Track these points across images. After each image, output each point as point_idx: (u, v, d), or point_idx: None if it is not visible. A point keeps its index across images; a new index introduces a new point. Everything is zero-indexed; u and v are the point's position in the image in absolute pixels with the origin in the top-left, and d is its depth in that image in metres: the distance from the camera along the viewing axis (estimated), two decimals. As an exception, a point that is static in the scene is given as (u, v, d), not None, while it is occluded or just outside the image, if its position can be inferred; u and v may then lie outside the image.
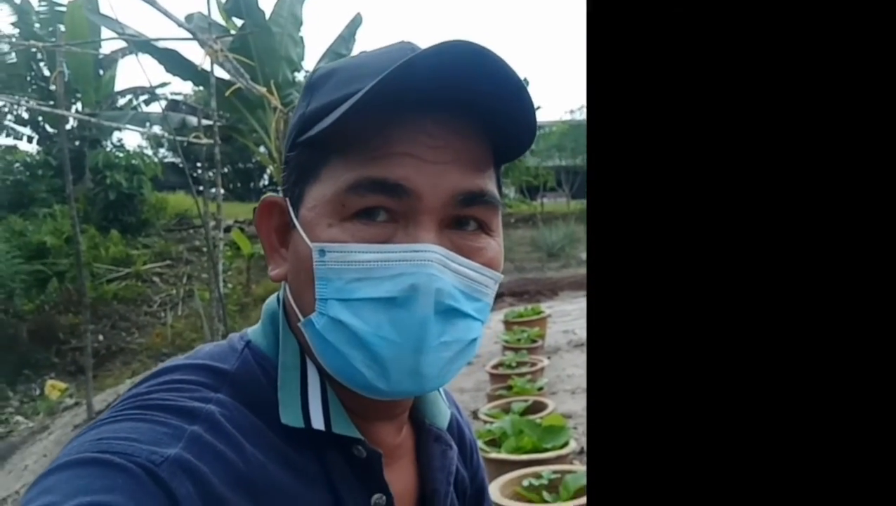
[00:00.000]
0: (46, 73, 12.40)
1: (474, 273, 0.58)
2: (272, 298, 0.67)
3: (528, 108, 0.57)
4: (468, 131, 0.58)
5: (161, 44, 8.63)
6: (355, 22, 10.72)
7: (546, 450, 3.33)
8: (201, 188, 5.58)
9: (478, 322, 0.60)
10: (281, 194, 0.64)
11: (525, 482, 2.95)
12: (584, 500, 2.76)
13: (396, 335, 0.55)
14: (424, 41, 0.58)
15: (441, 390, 0.75)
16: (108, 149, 13.16)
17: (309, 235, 0.58)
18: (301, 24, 10.05)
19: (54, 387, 7.57)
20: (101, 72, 13.16)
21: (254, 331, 0.65)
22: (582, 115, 18.50)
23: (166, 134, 7.35)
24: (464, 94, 0.56)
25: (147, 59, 9.14)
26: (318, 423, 0.59)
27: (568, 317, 8.76)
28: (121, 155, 12.18)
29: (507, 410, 4.01)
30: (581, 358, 6.54)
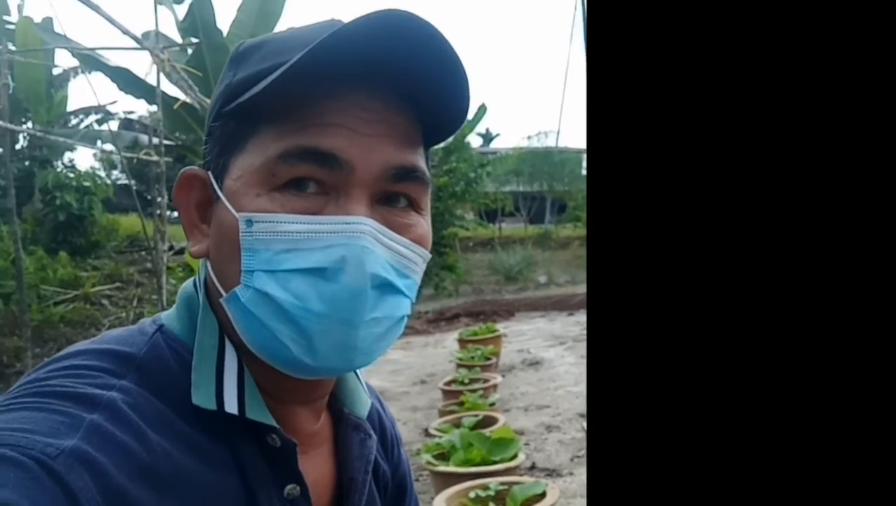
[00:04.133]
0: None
1: (405, 249, 0.58)
2: (188, 282, 0.65)
3: (460, 79, 0.57)
4: (400, 106, 0.58)
5: (114, 62, 8.51)
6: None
7: (495, 463, 3.32)
8: (159, 211, 5.47)
9: (407, 299, 0.59)
10: (202, 167, 0.62)
11: (472, 494, 2.94)
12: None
13: (325, 308, 0.54)
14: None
15: (362, 380, 0.74)
16: (58, 169, 12.88)
17: (235, 206, 0.56)
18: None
19: (-6, 411, 7.30)
20: (53, 91, 12.93)
21: (167, 315, 0.63)
22: (539, 142, 18.79)
23: (117, 152, 7.24)
24: (396, 69, 0.55)
25: (101, 79, 9.01)
26: (231, 406, 0.56)
27: (523, 337, 8.81)
28: (72, 175, 11.94)
29: (457, 424, 3.99)
30: (534, 376, 6.57)
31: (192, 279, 0.65)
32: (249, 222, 0.55)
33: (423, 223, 0.61)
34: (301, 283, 0.54)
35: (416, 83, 0.57)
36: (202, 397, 0.56)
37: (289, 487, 0.59)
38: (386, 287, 0.56)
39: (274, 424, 0.58)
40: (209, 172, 0.61)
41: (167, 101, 4.77)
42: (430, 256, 0.61)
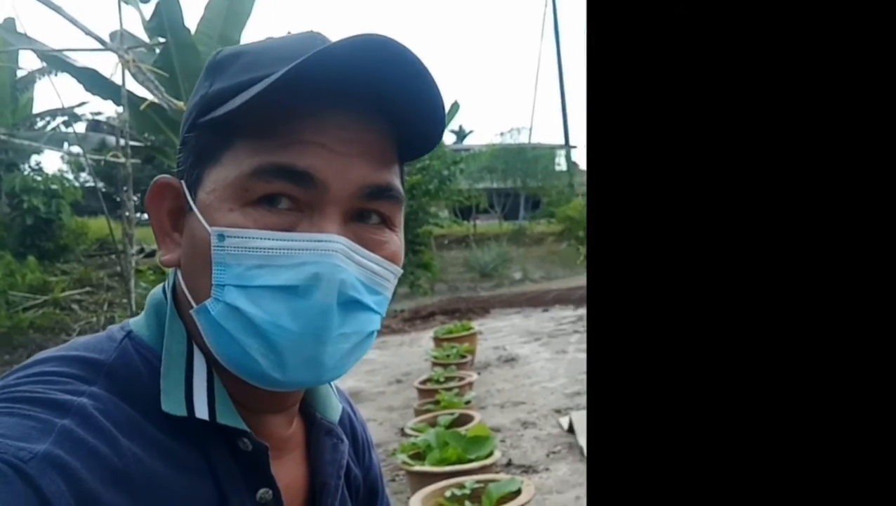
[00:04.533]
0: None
1: (377, 266, 0.58)
2: (157, 289, 0.64)
3: (436, 105, 0.58)
4: (377, 125, 0.58)
5: (80, 62, 8.39)
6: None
7: (471, 461, 3.32)
8: (127, 213, 5.39)
9: (377, 315, 0.60)
10: (176, 176, 0.62)
11: (448, 493, 2.94)
12: (505, 507, 2.77)
13: (295, 324, 0.54)
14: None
15: (333, 385, 0.74)
16: (25, 173, 12.67)
17: (207, 219, 0.56)
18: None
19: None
20: (18, 94, 12.71)
21: (136, 322, 0.63)
22: (511, 138, 18.85)
23: (84, 155, 7.14)
24: (374, 89, 0.56)
25: (68, 80, 8.89)
26: (201, 412, 0.57)
27: (499, 333, 8.84)
28: (39, 179, 11.76)
29: (433, 423, 3.99)
30: (510, 373, 6.59)
31: (160, 285, 0.65)
32: (221, 237, 0.55)
33: (396, 240, 0.61)
34: (272, 299, 0.54)
35: (393, 102, 0.57)
36: (172, 404, 0.56)
37: (261, 491, 0.59)
38: (355, 304, 0.57)
39: (245, 428, 0.59)
40: (182, 182, 0.60)
41: (134, 102, 4.72)
42: (401, 271, 0.62)
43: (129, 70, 3.35)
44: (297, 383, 0.59)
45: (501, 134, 19.33)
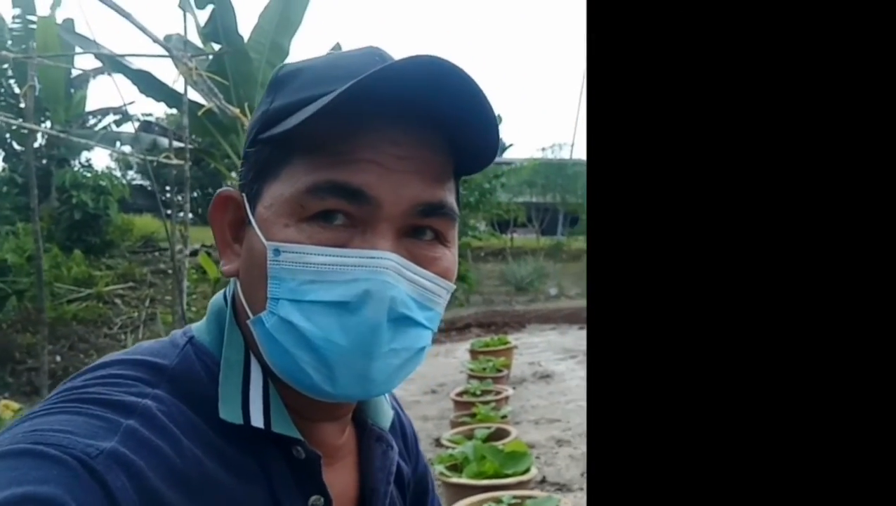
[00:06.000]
0: (16, 90, 12.27)
1: (428, 282, 0.59)
2: (219, 295, 0.67)
3: (491, 126, 0.58)
4: (432, 143, 0.59)
5: (135, 65, 8.60)
6: (334, 51, 10.77)
7: (507, 476, 3.32)
8: (169, 211, 5.51)
9: (428, 331, 0.61)
10: (238, 189, 0.64)
11: (486, 506, 2.94)
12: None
13: (346, 340, 0.56)
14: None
15: None
16: (75, 168, 12.98)
17: (265, 234, 0.58)
18: (286, 55, 10.10)
19: (7, 407, 7.34)
20: (73, 91, 13.04)
21: (197, 327, 0.66)
22: (553, 154, 18.79)
23: (136, 155, 7.30)
24: (431, 108, 0.57)
25: (121, 81, 9.11)
26: (257, 421, 0.59)
27: (534, 349, 8.77)
28: (88, 175, 12.03)
29: (469, 436, 4.00)
30: (545, 389, 6.56)
31: (222, 292, 0.67)
32: (277, 252, 0.57)
33: (449, 255, 0.62)
34: (324, 314, 0.56)
35: (448, 119, 0.58)
36: (229, 412, 0.58)
37: (313, 498, 0.61)
38: (406, 320, 0.58)
39: (299, 436, 0.60)
40: (243, 195, 0.62)
41: (191, 108, 4.82)
42: (454, 287, 0.63)
43: (192, 78, 3.43)
44: (347, 397, 0.61)
45: (543, 149, 19.32)
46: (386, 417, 0.74)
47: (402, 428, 0.80)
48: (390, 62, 0.56)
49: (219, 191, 0.65)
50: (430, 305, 0.60)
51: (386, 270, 0.56)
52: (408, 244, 0.59)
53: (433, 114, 0.57)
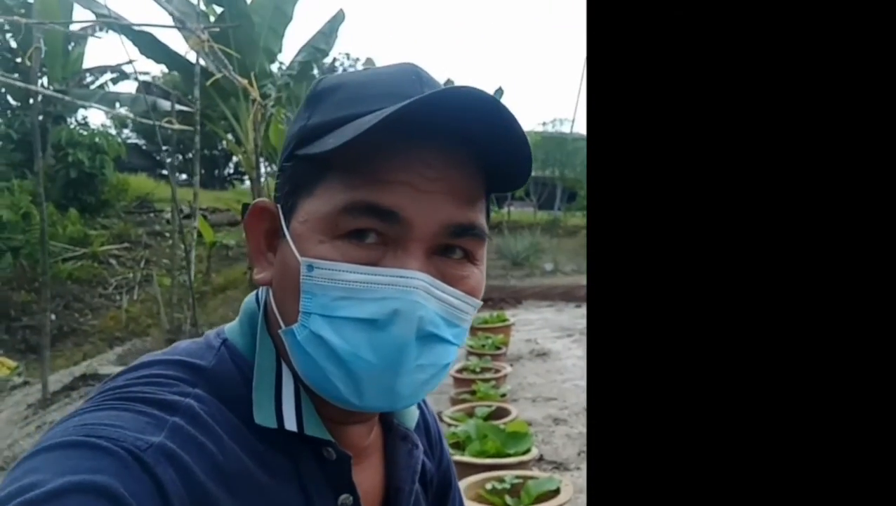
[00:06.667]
0: (13, 45, 12.08)
1: (456, 301, 0.60)
2: (251, 298, 0.68)
3: (523, 148, 0.59)
4: (464, 164, 0.60)
5: (138, 26, 8.47)
6: (337, 18, 10.62)
7: (509, 455, 3.37)
8: (164, 172, 5.48)
9: (454, 346, 0.62)
10: (273, 201, 0.66)
11: (488, 486, 2.98)
12: (545, 506, 2.80)
13: (374, 357, 0.57)
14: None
15: None
16: (71, 126, 12.84)
17: (298, 249, 0.59)
18: (289, 20, 9.94)
19: (3, 364, 7.36)
20: (71, 47, 12.86)
21: (230, 329, 0.67)
22: (554, 129, 18.69)
23: (139, 118, 7.22)
24: (464, 131, 0.58)
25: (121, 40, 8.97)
26: (290, 424, 0.61)
27: (531, 326, 8.83)
28: (84, 133, 11.91)
29: (470, 414, 4.04)
30: (542, 367, 6.61)
31: (253, 294, 0.69)
32: (311, 267, 0.58)
33: (477, 274, 0.63)
34: (354, 330, 0.57)
35: (482, 141, 0.59)
36: (263, 416, 0.60)
37: (342, 496, 0.64)
38: (433, 338, 0.59)
39: (330, 438, 0.63)
40: (279, 207, 0.64)
41: (188, 69, 4.78)
42: (480, 304, 0.64)
43: (204, 50, 3.40)
44: (373, 408, 0.62)
45: (544, 124, 19.22)
46: (412, 418, 0.76)
47: (426, 425, 0.82)
48: (428, 90, 0.57)
49: (255, 201, 0.67)
50: (457, 323, 0.61)
51: (416, 289, 0.57)
52: (437, 262, 0.60)
53: (466, 137, 0.58)
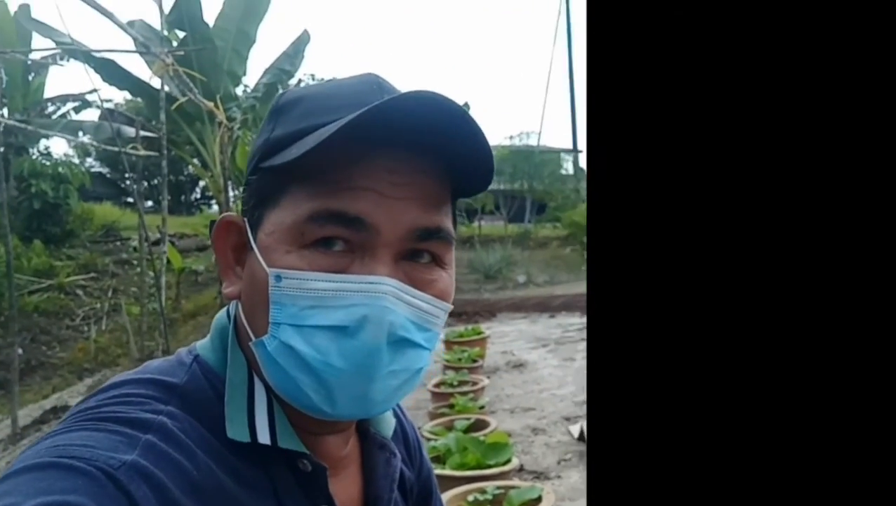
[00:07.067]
0: (-30, 75, 11.90)
1: (426, 305, 0.61)
2: (222, 314, 0.68)
3: (485, 150, 0.60)
4: (429, 168, 0.60)
5: (100, 53, 8.40)
6: (302, 39, 10.63)
7: (490, 467, 3.36)
8: (129, 199, 5.42)
9: (426, 351, 0.62)
10: (240, 215, 0.66)
11: (470, 497, 2.98)
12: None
13: (345, 364, 0.57)
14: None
15: None
16: (34, 157, 12.65)
17: (266, 260, 0.59)
18: (252, 42, 9.91)
19: (-31, 402, 7.17)
20: (31, 77, 12.69)
21: (202, 345, 0.67)
22: (521, 142, 18.82)
23: (103, 146, 7.14)
24: (426, 136, 0.58)
25: (83, 68, 8.88)
26: (264, 438, 0.60)
27: (506, 338, 8.83)
28: (47, 163, 11.74)
29: (450, 427, 4.03)
30: (519, 378, 6.62)
31: (224, 310, 0.69)
32: (279, 278, 0.58)
33: (446, 277, 0.64)
34: (324, 338, 0.57)
35: (445, 146, 0.59)
36: (236, 431, 0.60)
37: None
38: (405, 342, 0.59)
39: (305, 450, 0.63)
40: (245, 221, 0.64)
41: (151, 94, 4.75)
42: (451, 307, 0.64)
43: (169, 74, 3.38)
44: (347, 416, 0.63)
45: (511, 137, 19.33)
46: (388, 426, 0.75)
47: (404, 434, 0.82)
48: (388, 97, 0.57)
49: (222, 216, 0.67)
50: (428, 326, 0.61)
51: (385, 295, 0.57)
52: (405, 267, 0.60)
53: (429, 141, 0.59)
